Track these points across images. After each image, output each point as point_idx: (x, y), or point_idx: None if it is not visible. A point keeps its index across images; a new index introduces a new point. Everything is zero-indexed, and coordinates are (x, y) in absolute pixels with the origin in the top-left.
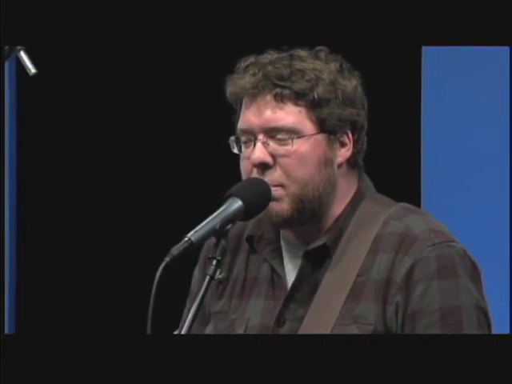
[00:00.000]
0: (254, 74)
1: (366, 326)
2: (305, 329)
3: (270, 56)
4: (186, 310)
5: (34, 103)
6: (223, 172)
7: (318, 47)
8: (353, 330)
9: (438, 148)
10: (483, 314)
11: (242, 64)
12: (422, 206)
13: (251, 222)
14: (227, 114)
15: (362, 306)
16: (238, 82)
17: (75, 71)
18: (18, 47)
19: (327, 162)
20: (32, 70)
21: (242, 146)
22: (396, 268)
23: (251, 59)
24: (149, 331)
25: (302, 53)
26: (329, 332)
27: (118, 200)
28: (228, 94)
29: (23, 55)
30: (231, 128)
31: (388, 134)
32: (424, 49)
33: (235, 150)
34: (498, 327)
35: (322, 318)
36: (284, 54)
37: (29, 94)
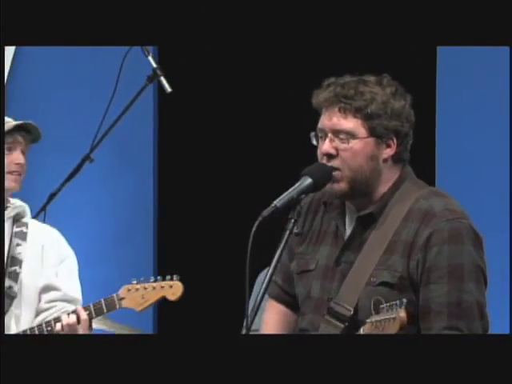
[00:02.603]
0: (330, 91)
1: (395, 272)
2: (354, 270)
3: (343, 80)
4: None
5: (169, 114)
6: (300, 161)
7: (384, 74)
8: (385, 274)
9: (450, 143)
10: (481, 271)
11: (325, 82)
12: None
13: (328, 192)
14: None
15: (393, 258)
16: (318, 96)
17: (202, 89)
18: (159, 73)
19: (373, 158)
20: (168, 89)
21: (319, 140)
22: (419, 235)
23: (331, 80)
24: (247, 275)
25: (369, 78)
26: (369, 273)
27: (236, 187)
28: (313, 103)
29: (162, 79)
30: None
31: None
32: (439, 49)
33: (314, 142)
34: (498, 327)
35: (366, 263)
36: (355, 78)
37: (166, 106)
